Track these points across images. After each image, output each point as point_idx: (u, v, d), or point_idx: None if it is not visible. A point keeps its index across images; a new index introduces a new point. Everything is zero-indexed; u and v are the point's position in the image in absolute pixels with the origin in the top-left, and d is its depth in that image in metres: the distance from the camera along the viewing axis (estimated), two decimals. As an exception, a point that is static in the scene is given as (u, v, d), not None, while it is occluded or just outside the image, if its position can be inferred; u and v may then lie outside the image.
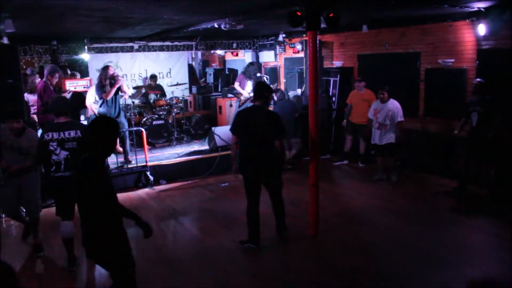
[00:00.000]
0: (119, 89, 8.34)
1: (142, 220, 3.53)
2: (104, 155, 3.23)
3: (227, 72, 14.22)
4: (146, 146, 8.41)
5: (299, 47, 11.15)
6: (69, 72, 10.26)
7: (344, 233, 5.94)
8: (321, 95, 9.49)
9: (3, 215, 6.61)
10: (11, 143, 5.23)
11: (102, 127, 3.18)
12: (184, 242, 5.87)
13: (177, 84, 11.67)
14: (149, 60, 11.89)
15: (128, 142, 8.87)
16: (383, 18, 8.75)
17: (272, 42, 12.32)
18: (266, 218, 6.34)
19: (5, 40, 7.54)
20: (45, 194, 6.29)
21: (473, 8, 7.11)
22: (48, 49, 9.68)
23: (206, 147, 9.72)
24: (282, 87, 12.22)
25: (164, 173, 8.56)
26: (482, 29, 7.41)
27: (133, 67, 11.78)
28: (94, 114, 8.66)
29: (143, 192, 8.05)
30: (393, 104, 7.76)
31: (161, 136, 10.20)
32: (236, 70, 13.57)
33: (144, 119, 10.23)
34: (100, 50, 10.44)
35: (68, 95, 8.13)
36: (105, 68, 8.43)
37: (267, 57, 12.94)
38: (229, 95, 11.59)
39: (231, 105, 11.19)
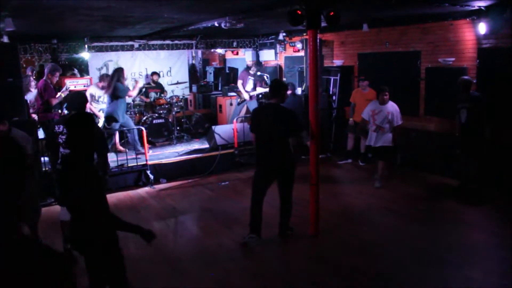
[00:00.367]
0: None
1: (144, 229, 3.32)
2: (83, 152, 3.10)
3: (227, 71, 14.19)
4: (146, 145, 8.41)
5: (299, 45, 11.15)
6: (76, 71, 10.24)
7: (345, 232, 5.94)
8: (321, 94, 9.47)
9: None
10: None
11: (78, 124, 3.11)
12: (184, 241, 5.87)
13: (177, 83, 11.67)
14: (149, 59, 11.88)
15: (136, 137, 8.99)
16: (383, 17, 8.74)
17: (273, 41, 12.31)
18: (268, 218, 6.34)
19: (5, 39, 7.53)
20: (45, 194, 6.29)
21: (474, 6, 7.10)
22: (48, 48, 9.67)
23: (206, 146, 9.72)
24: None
25: (164, 172, 8.56)
26: (482, 28, 7.40)
27: (133, 66, 11.77)
28: (93, 113, 8.67)
29: (143, 191, 8.05)
30: (393, 107, 7.46)
31: (161, 135, 10.20)
32: (237, 69, 13.55)
33: (144, 118, 10.23)
34: (100, 49, 10.43)
35: (65, 93, 8.12)
36: (120, 69, 8.79)
37: (268, 56, 12.93)
38: (230, 93, 11.60)
39: (231, 104, 11.19)
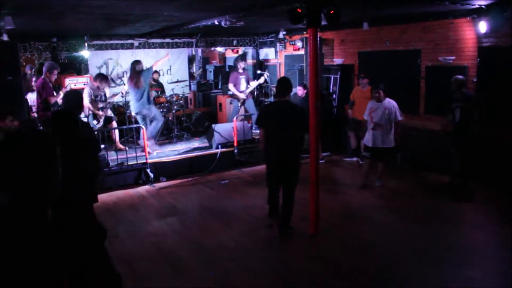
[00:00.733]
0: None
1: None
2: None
3: (227, 69, 14.19)
4: (146, 143, 8.40)
5: (299, 44, 11.14)
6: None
7: (345, 232, 5.94)
8: (321, 92, 9.47)
9: None
10: None
11: (57, 120, 3.10)
12: (184, 240, 5.86)
13: (177, 81, 11.66)
14: (149, 57, 11.85)
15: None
16: (383, 16, 8.72)
17: (273, 39, 12.30)
18: (267, 217, 6.35)
19: (5, 37, 7.50)
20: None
21: (474, 5, 7.09)
22: (48, 46, 9.66)
23: (206, 144, 9.72)
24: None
25: (164, 170, 8.56)
26: (483, 26, 7.40)
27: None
28: (92, 112, 8.65)
29: (143, 189, 8.04)
30: (390, 103, 7.27)
31: (161, 133, 10.20)
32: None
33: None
34: (100, 47, 10.42)
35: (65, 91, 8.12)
36: (138, 62, 9.09)
37: (268, 54, 12.92)
38: (229, 92, 11.59)
39: (231, 103, 11.17)
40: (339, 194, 7.56)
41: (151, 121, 9.29)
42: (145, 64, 9.45)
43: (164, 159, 8.74)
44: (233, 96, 10.65)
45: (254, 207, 6.83)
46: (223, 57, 15.49)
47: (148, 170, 8.27)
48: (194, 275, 4.88)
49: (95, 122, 8.73)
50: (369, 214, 6.52)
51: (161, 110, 10.32)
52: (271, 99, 11.72)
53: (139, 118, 9.22)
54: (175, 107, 10.59)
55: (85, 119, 8.66)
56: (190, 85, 13.02)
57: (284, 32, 11.40)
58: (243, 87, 10.38)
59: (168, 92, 11.06)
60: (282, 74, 12.60)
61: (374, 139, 7.34)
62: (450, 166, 7.38)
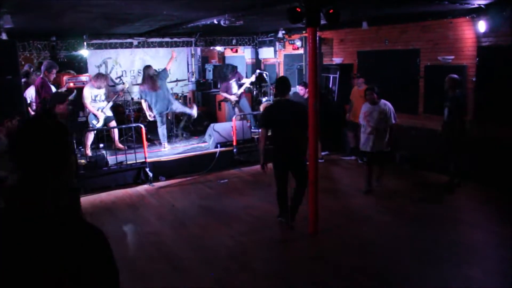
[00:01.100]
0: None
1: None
2: None
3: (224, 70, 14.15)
4: (145, 143, 8.39)
5: (298, 43, 11.14)
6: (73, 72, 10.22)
7: (344, 231, 5.94)
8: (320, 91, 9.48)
9: None
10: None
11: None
12: (183, 239, 5.86)
13: (177, 81, 11.65)
14: (148, 57, 11.86)
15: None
16: (383, 15, 8.72)
17: (272, 38, 12.28)
18: (266, 216, 6.36)
19: (4, 36, 7.49)
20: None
21: (473, 5, 7.09)
22: (47, 45, 9.65)
23: (205, 143, 9.71)
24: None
25: (163, 169, 8.55)
26: (482, 26, 7.40)
27: (133, 64, 11.76)
28: (91, 112, 8.64)
29: (142, 188, 8.04)
30: (386, 105, 6.99)
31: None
32: (236, 67, 13.52)
33: (143, 116, 10.20)
34: (99, 46, 10.41)
35: (63, 89, 8.12)
36: (149, 66, 9.32)
37: (267, 53, 12.92)
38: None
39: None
40: (338, 193, 7.57)
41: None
42: (146, 64, 9.56)
43: (163, 159, 8.73)
44: (225, 99, 10.75)
45: (253, 207, 6.83)
46: (222, 56, 15.47)
47: (147, 170, 8.26)
48: (193, 274, 4.88)
49: (94, 121, 8.72)
50: (369, 214, 6.52)
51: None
52: (269, 98, 11.70)
53: (158, 119, 9.37)
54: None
55: (83, 119, 8.68)
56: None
57: (283, 32, 11.39)
58: (235, 90, 10.48)
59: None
60: (282, 74, 12.60)
61: (371, 143, 7.03)
62: (448, 166, 7.41)
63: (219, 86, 10.96)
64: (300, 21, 5.45)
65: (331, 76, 10.40)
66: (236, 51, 14.31)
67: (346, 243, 5.58)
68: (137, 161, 8.32)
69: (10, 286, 1.37)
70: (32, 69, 9.54)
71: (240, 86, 10.53)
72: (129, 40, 10.65)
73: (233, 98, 10.45)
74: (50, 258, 1.39)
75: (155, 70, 9.43)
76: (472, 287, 4.43)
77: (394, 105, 7.17)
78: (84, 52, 10.32)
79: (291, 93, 10.28)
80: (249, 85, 11.18)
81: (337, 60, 10.79)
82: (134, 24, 8.49)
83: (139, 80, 11.51)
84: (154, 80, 9.12)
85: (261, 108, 11.31)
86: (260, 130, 6.23)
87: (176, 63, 12.34)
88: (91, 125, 8.70)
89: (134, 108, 10.40)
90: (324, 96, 9.91)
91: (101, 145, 9.08)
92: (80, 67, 10.72)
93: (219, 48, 13.65)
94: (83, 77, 9.70)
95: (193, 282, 4.69)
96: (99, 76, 8.83)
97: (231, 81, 10.51)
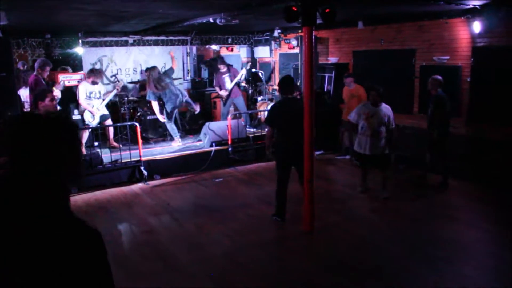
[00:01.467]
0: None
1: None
2: None
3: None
4: (140, 141, 8.37)
5: (294, 42, 11.14)
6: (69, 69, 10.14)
7: (340, 230, 5.94)
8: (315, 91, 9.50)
9: None
10: None
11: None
12: (178, 238, 5.85)
13: (172, 79, 11.60)
14: (143, 55, 11.83)
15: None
16: (378, 15, 8.74)
17: (268, 37, 12.29)
18: (262, 215, 6.36)
19: (-2, 33, 7.46)
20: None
21: (468, 5, 7.12)
22: (41, 43, 9.59)
23: (200, 142, 9.70)
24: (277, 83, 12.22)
25: (158, 168, 8.53)
26: (477, 26, 7.43)
27: (128, 62, 11.72)
28: (88, 110, 8.61)
29: (137, 187, 8.01)
30: (388, 109, 6.82)
31: (155, 131, 10.17)
32: (231, 65, 13.52)
33: (138, 114, 10.19)
34: (94, 44, 10.36)
35: (60, 88, 8.06)
36: (154, 67, 9.38)
37: (262, 52, 12.91)
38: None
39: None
40: (334, 192, 7.57)
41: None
42: (143, 62, 9.58)
43: (158, 157, 8.71)
44: (218, 96, 10.75)
45: (248, 205, 6.83)
46: (217, 55, 15.46)
47: (142, 168, 8.23)
48: (188, 273, 4.87)
49: (90, 119, 8.68)
50: (363, 212, 6.54)
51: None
52: (264, 97, 11.71)
53: (168, 116, 9.48)
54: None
55: (78, 116, 8.64)
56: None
57: (279, 31, 11.41)
58: (228, 85, 10.42)
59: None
60: (277, 73, 12.61)
61: (368, 146, 6.79)
62: (437, 165, 7.48)
63: (214, 84, 10.89)
64: (296, 20, 5.45)
65: (327, 75, 10.42)
66: (232, 50, 14.30)
67: (341, 241, 5.59)
68: (132, 159, 8.29)
69: (2, 286, 1.35)
70: (25, 67, 9.49)
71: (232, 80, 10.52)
72: (124, 38, 10.62)
73: (222, 93, 10.43)
74: (43, 258, 1.37)
75: (160, 70, 9.50)
76: (466, 284, 4.45)
77: (390, 104, 7.10)
78: (79, 50, 10.26)
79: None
80: (243, 83, 11.16)
81: (332, 59, 10.81)
82: (130, 22, 8.46)
83: (134, 78, 11.50)
84: (161, 80, 9.15)
85: (258, 106, 11.33)
86: (267, 129, 6.34)
87: (171, 62, 12.30)
88: (86, 123, 8.66)
89: (129, 106, 10.35)
90: (319, 95, 9.91)
91: (96, 143, 9.04)
92: (75, 65, 10.66)
93: (214, 47, 13.63)
94: (77, 75, 9.64)
95: (188, 281, 4.68)
96: (93, 71, 8.77)
97: (223, 76, 10.46)
